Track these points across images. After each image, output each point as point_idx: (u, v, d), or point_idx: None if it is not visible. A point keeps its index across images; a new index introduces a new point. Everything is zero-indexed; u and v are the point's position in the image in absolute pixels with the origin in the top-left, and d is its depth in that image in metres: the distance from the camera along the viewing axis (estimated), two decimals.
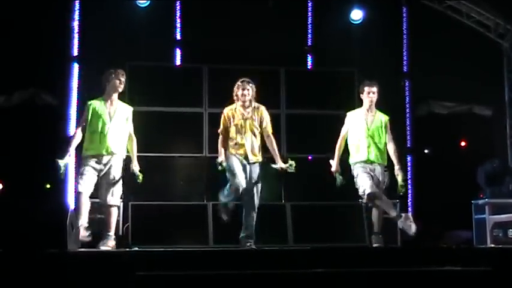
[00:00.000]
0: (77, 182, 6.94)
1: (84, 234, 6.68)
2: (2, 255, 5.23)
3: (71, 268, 5.13)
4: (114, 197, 6.96)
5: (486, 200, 9.21)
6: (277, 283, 5.02)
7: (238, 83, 7.15)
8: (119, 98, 7.13)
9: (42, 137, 9.66)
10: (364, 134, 7.34)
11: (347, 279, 5.11)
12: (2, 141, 9.49)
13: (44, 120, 9.83)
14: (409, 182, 10.67)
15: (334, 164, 7.53)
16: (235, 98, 7.17)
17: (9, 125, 9.66)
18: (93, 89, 7.78)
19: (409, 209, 10.54)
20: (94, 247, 6.76)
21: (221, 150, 7.18)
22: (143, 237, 8.13)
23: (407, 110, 11.01)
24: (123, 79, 7.01)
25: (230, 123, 7.10)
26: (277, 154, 7.26)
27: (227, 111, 7.18)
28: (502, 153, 10.82)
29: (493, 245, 8.45)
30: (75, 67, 10.00)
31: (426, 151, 11.37)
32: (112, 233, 6.93)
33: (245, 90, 7.09)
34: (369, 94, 7.40)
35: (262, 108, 7.22)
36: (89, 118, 6.92)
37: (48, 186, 10.29)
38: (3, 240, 5.57)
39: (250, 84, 7.13)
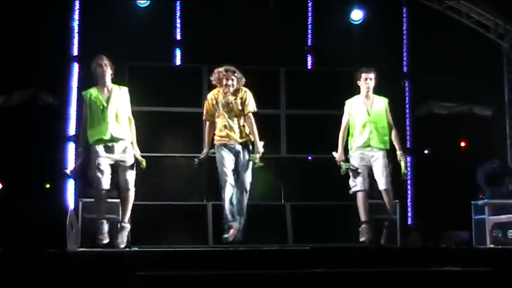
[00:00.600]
0: (93, 177, 6.78)
1: (105, 230, 6.68)
2: (2, 255, 5.24)
3: (71, 268, 5.13)
4: (130, 181, 6.87)
5: (486, 200, 9.20)
6: (276, 283, 5.03)
7: (223, 72, 7.11)
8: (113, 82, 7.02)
9: (42, 136, 9.66)
10: (365, 120, 7.31)
11: (347, 279, 5.12)
12: (1, 141, 9.49)
13: (43, 120, 9.82)
14: (408, 182, 10.68)
15: (338, 153, 7.44)
16: (218, 83, 7.15)
17: (9, 124, 9.65)
18: None
19: (409, 209, 10.55)
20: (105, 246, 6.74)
21: (207, 139, 7.20)
22: (143, 237, 8.13)
23: (407, 110, 11.02)
24: (102, 62, 6.91)
25: (216, 107, 7.10)
26: (256, 136, 7.12)
27: (211, 96, 7.19)
28: (501, 153, 10.82)
29: (492, 246, 8.45)
30: (75, 67, 10.00)
31: (426, 151, 11.37)
32: (127, 222, 6.83)
33: (229, 81, 7.08)
34: (366, 80, 7.39)
35: (245, 89, 7.18)
36: (87, 107, 6.87)
37: (47, 186, 10.30)
38: (3, 240, 5.58)
39: (236, 74, 7.10)
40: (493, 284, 5.20)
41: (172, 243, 7.98)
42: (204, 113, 7.24)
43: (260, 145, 7.11)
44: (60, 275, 5.03)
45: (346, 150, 7.49)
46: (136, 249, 7.22)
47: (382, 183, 7.24)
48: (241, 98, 7.12)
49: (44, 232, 5.70)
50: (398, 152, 7.33)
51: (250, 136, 7.11)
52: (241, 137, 7.07)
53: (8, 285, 4.91)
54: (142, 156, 7.05)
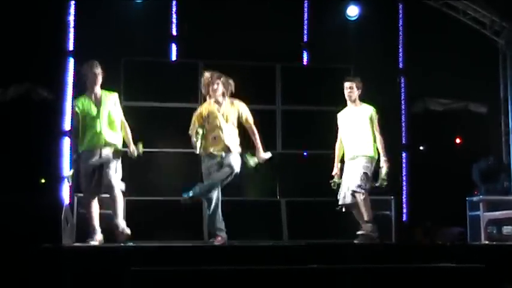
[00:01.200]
0: (82, 183, 6.77)
1: (100, 238, 6.68)
2: None
3: (66, 263, 5.13)
4: (118, 180, 6.81)
5: (480, 197, 9.23)
6: (271, 279, 5.03)
7: (208, 77, 6.96)
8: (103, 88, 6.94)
9: (37, 131, 9.64)
10: (350, 131, 7.34)
11: (342, 275, 5.12)
12: None
13: (39, 114, 9.80)
14: (403, 178, 10.70)
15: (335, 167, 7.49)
16: (206, 94, 7.03)
17: (4, 119, 9.63)
18: None
19: (404, 205, 10.57)
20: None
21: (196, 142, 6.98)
22: (138, 233, 8.12)
23: (403, 107, 11.02)
24: (97, 70, 6.84)
25: (207, 121, 6.93)
26: (259, 145, 7.04)
27: (201, 109, 7.03)
28: (496, 150, 10.83)
29: (487, 242, 8.47)
30: (71, 62, 9.98)
31: (421, 148, 11.38)
32: (120, 220, 6.76)
33: (215, 85, 6.93)
34: (346, 90, 7.42)
35: (237, 101, 7.05)
36: (79, 116, 6.80)
37: (43, 181, 10.27)
38: None
39: (222, 79, 6.96)
40: (487, 280, 5.21)
41: (168, 239, 7.98)
42: (193, 127, 7.01)
43: (264, 154, 7.05)
44: (55, 270, 5.03)
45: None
46: (131, 244, 7.22)
47: (351, 184, 7.19)
48: (237, 111, 6.98)
49: (39, 227, 5.70)
50: (382, 159, 7.25)
51: (239, 148, 7.02)
52: (231, 147, 6.96)
53: (4, 280, 4.91)
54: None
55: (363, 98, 7.50)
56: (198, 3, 10.15)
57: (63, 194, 9.45)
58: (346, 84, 7.43)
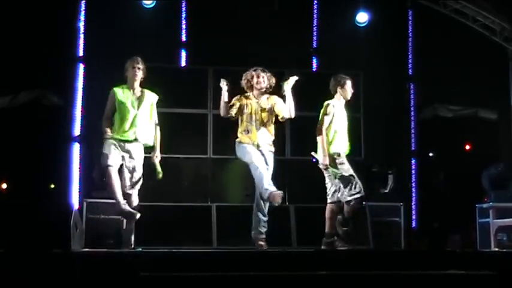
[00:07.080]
0: (103, 159, 6.77)
1: (126, 208, 6.77)
2: (6, 254, 5.25)
3: (75, 268, 5.14)
4: (136, 190, 6.95)
5: (490, 203, 9.19)
6: (280, 285, 5.03)
7: (252, 72, 7.24)
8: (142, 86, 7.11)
9: (47, 137, 9.67)
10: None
11: (350, 282, 5.11)
12: (7, 140, 9.51)
13: (49, 120, 9.84)
14: (413, 185, 10.69)
15: None
16: (247, 88, 7.26)
17: (14, 124, 9.67)
18: (98, 89, 7.80)
19: (413, 212, 10.54)
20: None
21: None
22: (147, 238, 8.13)
23: (412, 113, 11.00)
24: (138, 66, 7.05)
25: (243, 110, 7.13)
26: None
27: (240, 97, 7.22)
28: (506, 157, 10.80)
29: (496, 249, 8.44)
30: (81, 67, 10.02)
31: (431, 154, 11.36)
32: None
33: (260, 78, 7.20)
34: None
35: (274, 96, 7.31)
36: (115, 105, 6.90)
37: (52, 186, 10.31)
38: (7, 239, 5.59)
39: (266, 72, 7.23)
40: (497, 287, 5.19)
41: (176, 244, 7.98)
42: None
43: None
44: (64, 275, 5.04)
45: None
46: (140, 249, 7.23)
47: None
48: (272, 105, 7.29)
49: (48, 232, 5.71)
50: None
51: (273, 147, 7.32)
52: (265, 144, 7.19)
53: (13, 285, 4.92)
54: (146, 157, 7.03)
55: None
56: (207, 10, 10.17)
57: (73, 199, 9.47)
58: None
